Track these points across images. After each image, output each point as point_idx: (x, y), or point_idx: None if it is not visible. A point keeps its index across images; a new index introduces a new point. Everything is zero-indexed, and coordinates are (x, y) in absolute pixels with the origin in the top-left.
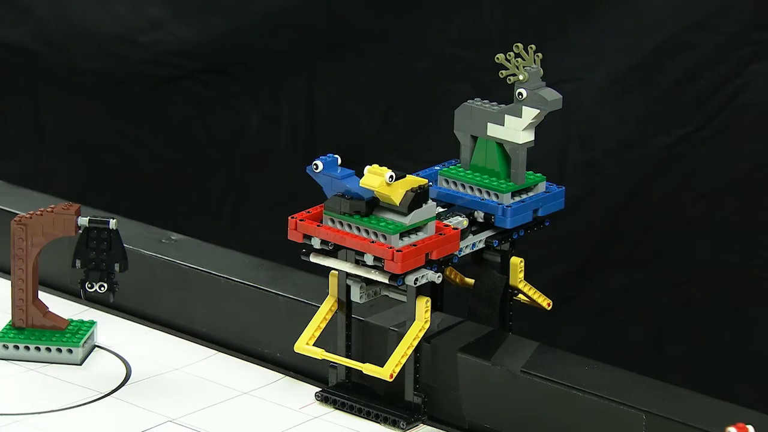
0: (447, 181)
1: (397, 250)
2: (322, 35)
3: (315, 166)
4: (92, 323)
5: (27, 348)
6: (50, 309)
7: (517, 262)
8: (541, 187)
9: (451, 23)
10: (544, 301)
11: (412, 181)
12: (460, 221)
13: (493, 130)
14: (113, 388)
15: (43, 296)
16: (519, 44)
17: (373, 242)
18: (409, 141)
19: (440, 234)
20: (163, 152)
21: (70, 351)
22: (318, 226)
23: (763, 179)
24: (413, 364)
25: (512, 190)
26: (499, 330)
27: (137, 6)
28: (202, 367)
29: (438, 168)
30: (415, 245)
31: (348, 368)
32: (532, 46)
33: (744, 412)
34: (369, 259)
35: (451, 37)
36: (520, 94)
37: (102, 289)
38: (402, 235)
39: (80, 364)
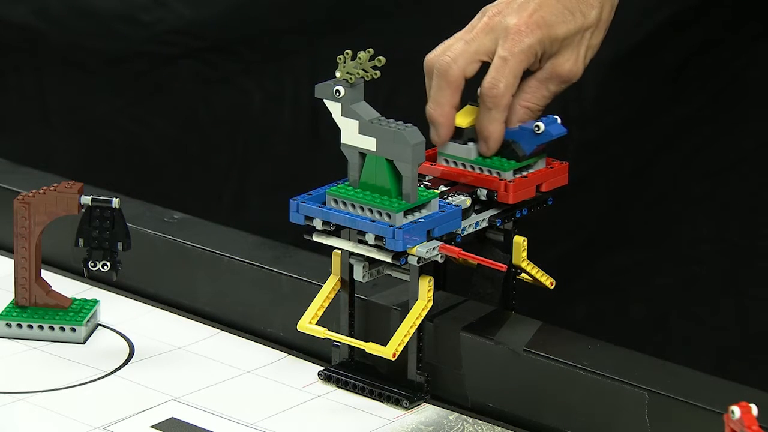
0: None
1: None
2: (327, 13)
3: (537, 128)
4: (95, 302)
5: (30, 326)
6: (53, 288)
7: (520, 241)
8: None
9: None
10: (547, 281)
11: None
12: (463, 200)
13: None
14: (116, 367)
15: (46, 275)
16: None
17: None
18: (415, 120)
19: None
20: (166, 131)
21: (74, 329)
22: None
23: (766, 157)
24: (416, 343)
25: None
26: (502, 309)
27: None
28: (205, 345)
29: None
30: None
31: (351, 347)
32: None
33: (747, 392)
34: (370, 238)
35: (458, 14)
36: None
37: (105, 267)
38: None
39: (83, 343)
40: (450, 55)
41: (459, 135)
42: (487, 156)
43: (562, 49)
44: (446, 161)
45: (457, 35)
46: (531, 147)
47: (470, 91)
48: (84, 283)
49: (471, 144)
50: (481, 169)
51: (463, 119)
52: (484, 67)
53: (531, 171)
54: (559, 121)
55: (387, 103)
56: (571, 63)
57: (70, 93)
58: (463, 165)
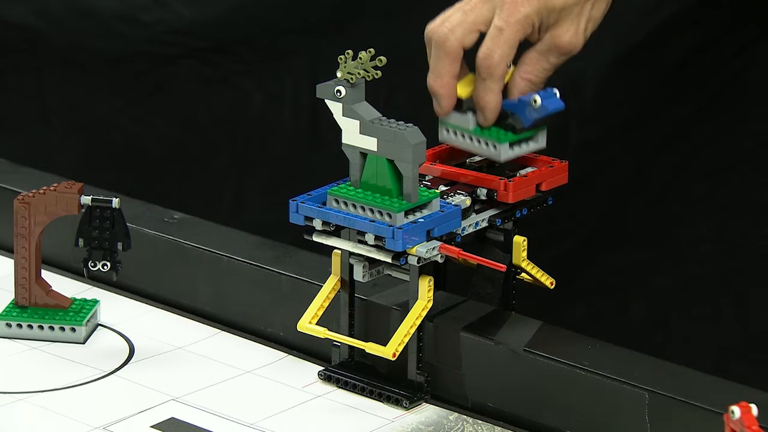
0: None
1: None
2: (327, 13)
3: (534, 102)
4: (95, 302)
5: (30, 326)
6: (53, 288)
7: (520, 241)
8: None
9: None
10: (547, 280)
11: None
12: (463, 200)
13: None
14: (116, 367)
15: (46, 275)
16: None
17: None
18: (415, 120)
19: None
20: (166, 131)
21: (74, 329)
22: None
23: (766, 157)
24: (416, 343)
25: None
26: (502, 309)
27: None
28: (205, 345)
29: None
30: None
31: (351, 347)
32: (371, 50)
33: (747, 392)
34: (370, 238)
35: None
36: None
37: (105, 267)
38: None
39: (83, 343)
40: (448, 26)
41: (459, 105)
42: (484, 126)
43: (561, 20)
44: (447, 131)
45: (456, 6)
46: (529, 120)
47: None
48: (84, 283)
49: (470, 114)
50: (479, 140)
51: (463, 89)
52: (484, 37)
53: (529, 144)
54: (558, 94)
55: (387, 103)
56: (571, 34)
57: (70, 93)
58: (462, 135)
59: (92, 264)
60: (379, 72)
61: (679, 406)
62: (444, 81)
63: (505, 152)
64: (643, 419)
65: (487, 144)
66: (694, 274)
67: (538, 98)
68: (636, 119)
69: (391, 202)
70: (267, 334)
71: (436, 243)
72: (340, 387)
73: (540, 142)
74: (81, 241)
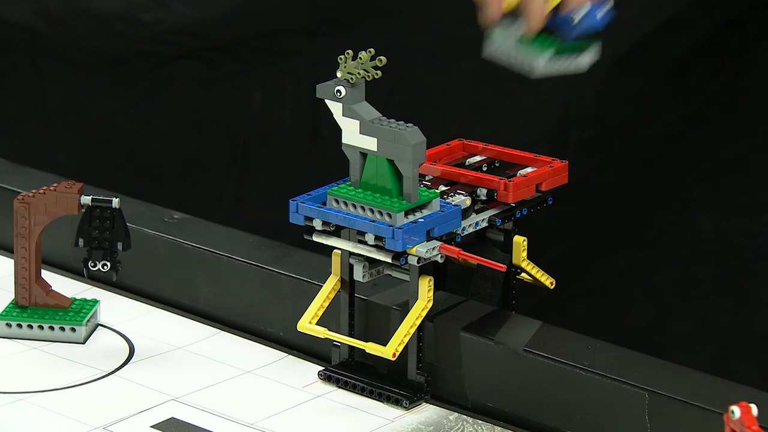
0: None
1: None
2: (327, 13)
3: (572, 19)
4: (95, 302)
5: (30, 326)
6: (53, 287)
7: (520, 241)
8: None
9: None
10: (547, 280)
11: None
12: (463, 200)
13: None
14: (116, 367)
15: (46, 275)
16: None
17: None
18: (414, 119)
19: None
20: (165, 131)
21: (74, 329)
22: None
23: (766, 158)
24: (416, 343)
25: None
26: (502, 309)
27: None
28: (205, 345)
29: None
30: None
31: (351, 347)
32: (371, 50)
33: (747, 391)
34: (370, 238)
35: (456, 14)
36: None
37: (105, 267)
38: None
39: (83, 343)
40: None
41: (506, 17)
42: (528, 36)
43: None
44: (492, 44)
45: None
46: (570, 35)
47: None
48: (84, 283)
49: (516, 25)
50: (521, 53)
51: (512, 0)
52: None
53: (570, 63)
54: (602, 12)
55: (386, 103)
56: None
57: (70, 93)
58: (506, 48)
59: (92, 264)
60: (379, 72)
61: (679, 406)
62: None
63: (540, 63)
64: (643, 419)
65: (527, 56)
66: (694, 274)
67: (576, 16)
68: (636, 119)
69: (391, 202)
70: (267, 334)
71: (436, 243)
72: (340, 387)
73: (581, 64)
74: (81, 241)
